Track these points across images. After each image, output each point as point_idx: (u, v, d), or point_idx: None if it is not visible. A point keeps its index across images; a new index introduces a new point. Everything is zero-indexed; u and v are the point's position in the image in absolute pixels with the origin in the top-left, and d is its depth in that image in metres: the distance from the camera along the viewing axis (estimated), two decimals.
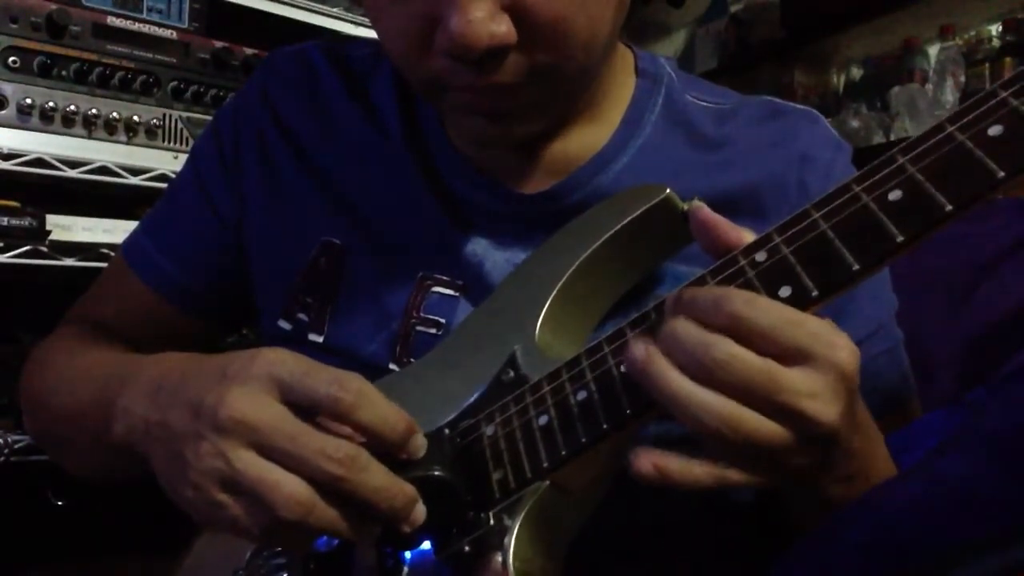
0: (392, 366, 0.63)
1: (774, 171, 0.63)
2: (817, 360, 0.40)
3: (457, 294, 0.64)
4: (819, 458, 0.42)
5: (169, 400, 0.48)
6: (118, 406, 0.52)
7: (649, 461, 0.41)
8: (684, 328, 0.42)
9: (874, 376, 0.60)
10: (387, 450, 0.46)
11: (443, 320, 0.63)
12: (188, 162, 0.76)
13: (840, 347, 0.40)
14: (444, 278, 0.64)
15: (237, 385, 0.45)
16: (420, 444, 0.48)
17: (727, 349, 0.40)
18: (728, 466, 0.41)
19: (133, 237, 0.76)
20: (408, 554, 0.51)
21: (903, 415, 0.64)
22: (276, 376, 0.46)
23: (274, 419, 0.45)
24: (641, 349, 0.42)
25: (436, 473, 0.48)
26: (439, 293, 0.64)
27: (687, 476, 0.41)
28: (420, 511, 0.47)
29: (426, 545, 0.50)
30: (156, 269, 0.73)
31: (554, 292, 0.55)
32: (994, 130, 0.38)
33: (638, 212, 0.55)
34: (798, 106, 0.68)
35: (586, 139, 0.64)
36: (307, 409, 0.46)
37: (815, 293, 0.41)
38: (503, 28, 0.50)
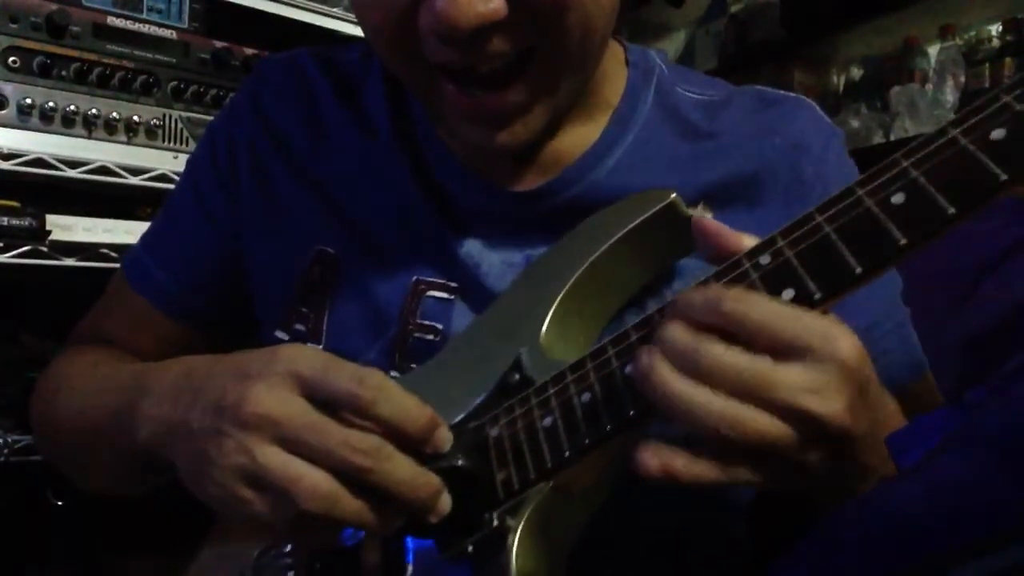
0: (393, 373, 0.63)
1: (768, 159, 0.63)
2: (816, 354, 0.39)
3: (452, 297, 0.63)
4: (834, 454, 0.42)
5: (191, 400, 0.48)
6: (141, 412, 0.52)
7: (656, 460, 0.41)
8: (675, 332, 0.42)
9: (883, 355, 0.60)
10: (410, 444, 0.46)
11: (439, 326, 0.63)
12: (184, 175, 0.76)
13: (839, 339, 0.40)
14: (438, 281, 0.64)
15: (259, 382, 0.46)
16: (445, 437, 0.48)
17: (714, 353, 0.40)
18: (736, 464, 0.41)
19: (133, 254, 0.76)
20: (412, 554, 0.51)
21: (918, 392, 0.63)
22: (297, 372, 0.46)
23: (297, 413, 0.45)
24: (645, 357, 0.42)
25: (460, 463, 0.48)
26: (434, 297, 0.63)
27: (694, 475, 0.41)
28: (446, 501, 0.47)
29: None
30: (156, 286, 0.73)
31: (560, 296, 0.55)
32: (997, 134, 0.38)
33: (643, 217, 0.55)
34: (789, 94, 0.68)
35: (579, 134, 0.64)
36: (328, 404, 0.46)
37: (818, 296, 0.41)
38: (492, 5, 0.49)
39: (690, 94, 0.67)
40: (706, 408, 0.39)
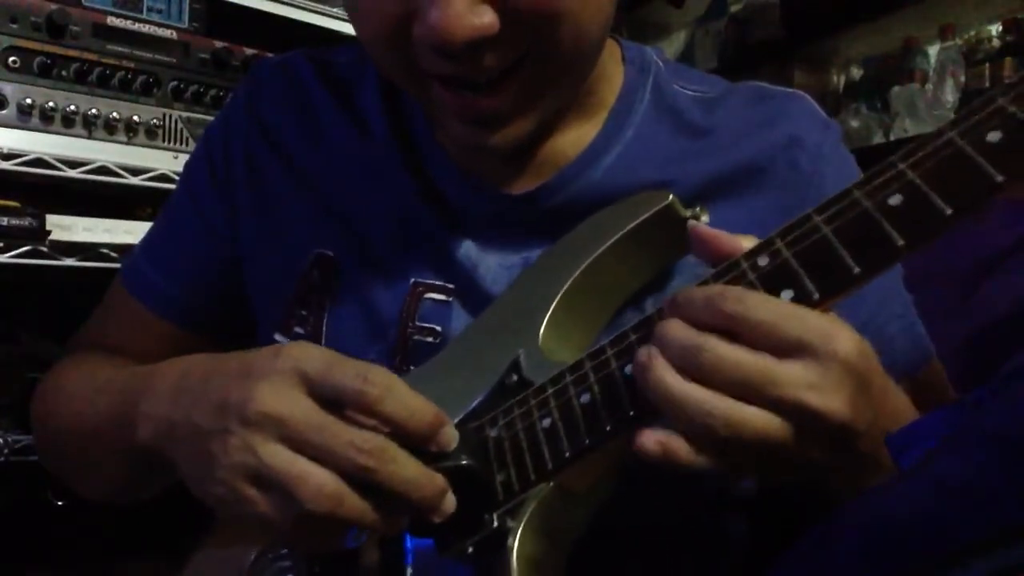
0: None
1: (764, 153, 0.63)
2: (816, 352, 0.40)
3: (450, 299, 0.63)
4: (837, 449, 0.42)
5: (193, 399, 0.48)
6: (140, 412, 0.52)
7: (653, 439, 0.41)
8: (675, 330, 0.42)
9: (887, 345, 0.60)
10: (415, 442, 0.46)
11: (439, 328, 0.63)
12: (181, 181, 0.76)
13: (839, 336, 0.40)
14: (436, 283, 0.63)
15: (263, 380, 0.45)
16: (451, 436, 0.47)
17: (716, 351, 0.40)
18: (736, 456, 0.41)
19: (131, 260, 0.76)
20: (411, 554, 0.51)
21: (927, 379, 0.63)
22: (301, 370, 0.45)
23: (302, 412, 0.45)
24: (643, 355, 0.42)
25: (464, 463, 0.48)
26: (432, 299, 0.63)
27: (693, 457, 0.41)
28: (450, 501, 0.47)
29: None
30: (155, 292, 0.73)
31: (557, 297, 0.55)
32: (993, 136, 0.39)
33: (641, 219, 0.55)
34: (785, 89, 0.68)
35: (575, 134, 0.64)
36: (334, 402, 0.45)
37: (816, 296, 0.41)
38: (485, 19, 0.49)
39: (687, 91, 0.67)
40: (703, 408, 0.40)
